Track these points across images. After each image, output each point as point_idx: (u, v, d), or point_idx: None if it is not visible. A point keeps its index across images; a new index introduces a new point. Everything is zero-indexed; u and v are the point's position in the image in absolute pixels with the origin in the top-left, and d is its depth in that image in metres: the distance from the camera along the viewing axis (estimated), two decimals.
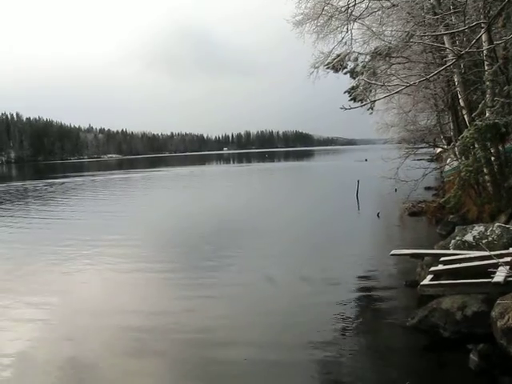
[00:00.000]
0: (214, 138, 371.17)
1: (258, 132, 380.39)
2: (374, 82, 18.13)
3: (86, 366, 9.71)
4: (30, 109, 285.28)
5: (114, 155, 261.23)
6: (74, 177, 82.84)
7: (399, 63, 21.91)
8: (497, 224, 13.77)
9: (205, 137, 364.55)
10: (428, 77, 13.64)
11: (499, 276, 10.30)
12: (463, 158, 20.50)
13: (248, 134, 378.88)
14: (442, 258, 12.62)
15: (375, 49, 21.86)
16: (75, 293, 14.79)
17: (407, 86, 11.01)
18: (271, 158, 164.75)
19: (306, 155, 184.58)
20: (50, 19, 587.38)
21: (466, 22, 13.30)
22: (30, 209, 38.36)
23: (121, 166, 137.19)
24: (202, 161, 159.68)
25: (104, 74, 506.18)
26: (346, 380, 8.91)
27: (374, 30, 20.73)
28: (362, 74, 22.41)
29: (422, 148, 30.12)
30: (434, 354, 9.77)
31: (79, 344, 10.76)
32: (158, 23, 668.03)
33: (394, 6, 19.38)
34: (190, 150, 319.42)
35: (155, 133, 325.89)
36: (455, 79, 20.84)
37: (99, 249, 20.47)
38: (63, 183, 66.86)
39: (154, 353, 10.23)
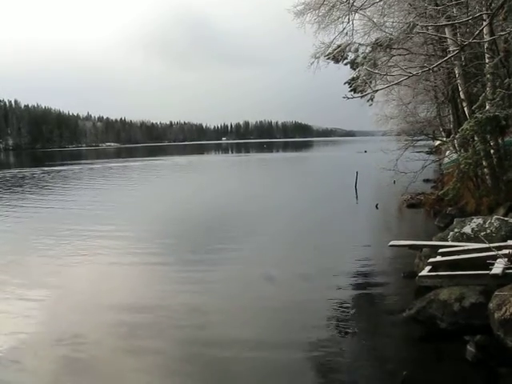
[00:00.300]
0: (212, 127, 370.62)
1: (256, 122, 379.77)
2: (376, 71, 18.07)
3: (79, 359, 9.67)
4: (29, 91, 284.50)
5: (112, 144, 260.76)
6: (72, 165, 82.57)
7: (400, 55, 21.84)
8: (495, 216, 13.81)
9: (204, 126, 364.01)
10: (431, 67, 13.61)
11: (497, 268, 10.35)
12: (462, 151, 20.54)
13: (247, 123, 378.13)
14: (441, 250, 12.66)
15: (376, 40, 21.77)
16: (64, 285, 14.61)
17: (409, 77, 11.01)
18: (270, 148, 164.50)
19: (305, 146, 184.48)
20: (49, 3, 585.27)
21: (469, 13, 13.27)
22: (22, 197, 37.81)
23: (119, 154, 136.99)
24: (201, 150, 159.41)
25: (102, 59, 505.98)
26: (342, 370, 8.92)
27: (375, 20, 20.66)
28: (363, 65, 22.35)
29: (421, 140, 30.10)
30: (431, 345, 9.81)
31: (71, 338, 10.59)
32: (156, 7, 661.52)
33: None
34: (189, 139, 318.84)
35: (154, 121, 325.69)
36: (456, 71, 20.81)
37: (85, 239, 20.15)
38: (60, 171, 66.74)
39: (148, 348, 10.12)
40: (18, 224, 25.07)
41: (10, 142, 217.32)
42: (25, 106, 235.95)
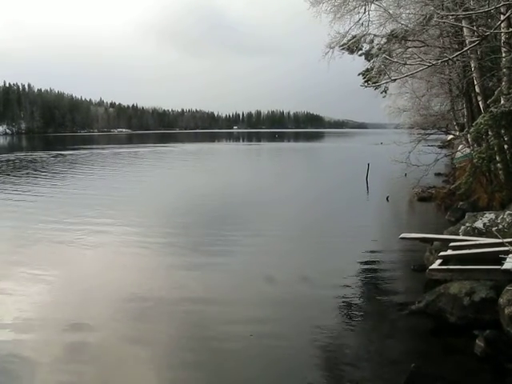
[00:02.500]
0: (224, 116, 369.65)
1: (268, 112, 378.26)
2: (394, 60, 17.95)
3: (85, 336, 9.84)
4: (42, 75, 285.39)
5: (123, 130, 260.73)
6: (81, 149, 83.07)
7: (415, 47, 21.69)
8: (508, 212, 13.72)
9: (215, 115, 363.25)
10: (450, 57, 13.48)
11: (509, 263, 10.29)
12: (476, 145, 20.42)
13: (258, 113, 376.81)
14: (452, 244, 12.61)
15: (392, 31, 21.67)
16: (70, 268, 14.73)
17: (428, 67, 10.93)
18: (281, 138, 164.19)
19: (317, 137, 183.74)
20: None
21: (488, 5, 13.14)
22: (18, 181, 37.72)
23: (129, 140, 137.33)
24: (212, 138, 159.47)
25: (115, 46, 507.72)
26: (349, 361, 8.90)
27: (391, 12, 20.52)
28: (378, 56, 22.25)
29: (433, 134, 29.99)
30: (440, 339, 9.80)
31: (78, 314, 10.84)
32: None
33: None
34: (201, 127, 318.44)
35: (166, 109, 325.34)
36: (472, 65, 20.65)
37: (83, 227, 19.89)
38: (65, 155, 67.36)
39: (151, 333, 10.19)
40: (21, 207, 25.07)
41: (23, 126, 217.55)
42: (38, 90, 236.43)
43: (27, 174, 42.97)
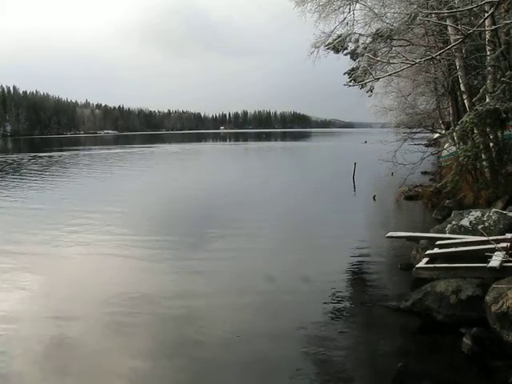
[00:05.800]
0: (211, 116, 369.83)
1: (255, 112, 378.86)
2: (378, 59, 17.98)
3: (66, 340, 9.73)
4: (27, 77, 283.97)
5: (110, 131, 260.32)
6: (63, 151, 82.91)
7: (400, 46, 21.74)
8: (493, 210, 13.78)
9: (202, 115, 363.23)
10: (434, 55, 13.52)
11: (495, 261, 10.30)
12: (461, 144, 20.48)
13: (245, 113, 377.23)
14: (438, 242, 12.61)
15: (377, 30, 21.71)
16: (51, 272, 14.49)
17: (412, 65, 10.91)
18: (268, 138, 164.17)
19: (304, 136, 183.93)
20: None
21: (471, 3, 13.20)
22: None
23: (115, 141, 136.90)
24: (199, 139, 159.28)
25: (99, 48, 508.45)
26: (337, 360, 8.87)
27: (376, 11, 20.58)
28: (363, 55, 22.27)
29: (419, 133, 30.04)
30: (427, 337, 9.78)
31: (61, 320, 10.67)
32: None
33: None
34: (187, 128, 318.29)
35: (152, 110, 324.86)
36: (457, 63, 20.71)
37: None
38: (42, 157, 67.33)
39: (142, 331, 10.16)
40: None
41: (8, 129, 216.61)
42: (23, 92, 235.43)
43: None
